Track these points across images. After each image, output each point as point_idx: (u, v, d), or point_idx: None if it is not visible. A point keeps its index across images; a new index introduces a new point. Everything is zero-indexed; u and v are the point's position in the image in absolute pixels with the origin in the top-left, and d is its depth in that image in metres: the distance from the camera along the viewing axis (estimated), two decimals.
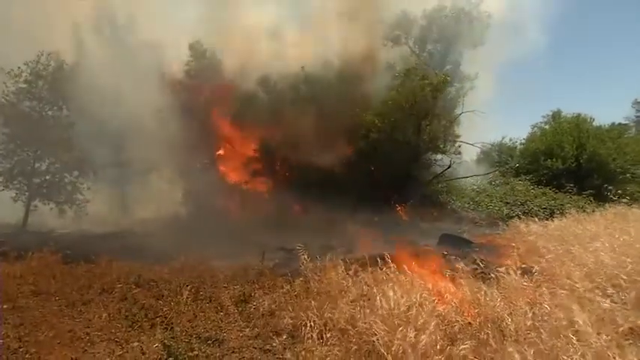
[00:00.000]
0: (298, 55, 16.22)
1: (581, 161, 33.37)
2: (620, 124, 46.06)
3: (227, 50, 17.11)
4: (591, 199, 26.55)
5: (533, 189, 26.03)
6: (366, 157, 14.66)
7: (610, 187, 27.03)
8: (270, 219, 14.00)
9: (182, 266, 9.55)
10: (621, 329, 5.17)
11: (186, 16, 18.09)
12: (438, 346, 4.79)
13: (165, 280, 8.48)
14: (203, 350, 5.64)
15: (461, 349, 4.77)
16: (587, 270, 6.92)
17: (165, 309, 7.05)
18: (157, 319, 6.71)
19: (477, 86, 24.22)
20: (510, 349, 4.57)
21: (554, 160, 33.50)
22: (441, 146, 18.13)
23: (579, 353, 4.35)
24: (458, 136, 19.53)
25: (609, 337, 4.78)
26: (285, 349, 5.63)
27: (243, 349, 5.76)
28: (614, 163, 32.97)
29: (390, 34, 20.23)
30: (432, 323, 5.16)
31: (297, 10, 16.87)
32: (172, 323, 6.49)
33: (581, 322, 4.81)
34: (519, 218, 19.27)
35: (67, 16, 17.07)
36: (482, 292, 6.21)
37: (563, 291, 6.04)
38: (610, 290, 6.08)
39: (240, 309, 7.06)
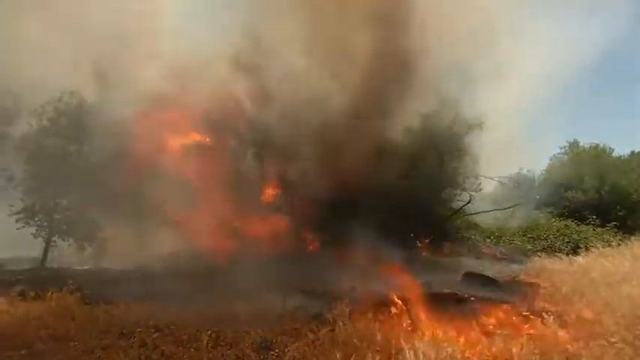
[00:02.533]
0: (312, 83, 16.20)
1: (603, 193, 32.87)
2: None
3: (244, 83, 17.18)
4: (615, 231, 25.89)
5: (555, 222, 25.46)
6: (386, 193, 14.50)
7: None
8: (289, 257, 13.84)
9: (201, 308, 9.41)
10: None
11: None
12: None
13: (185, 325, 8.32)
14: None
15: None
16: (622, 317, 6.58)
17: (185, 356, 6.89)
18: None
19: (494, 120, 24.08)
20: None
21: (574, 191, 33.03)
22: (462, 182, 18.08)
23: None
24: (476, 174, 19.58)
25: None
26: None
27: None
28: (637, 193, 32.43)
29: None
30: None
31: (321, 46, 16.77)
32: None
33: None
34: (543, 253, 18.89)
35: (86, 52, 17.50)
36: (516, 345, 5.94)
37: (601, 342, 5.74)
38: None
39: (261, 357, 6.85)
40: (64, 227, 16.80)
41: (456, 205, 19.34)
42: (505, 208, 24.83)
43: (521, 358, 5.63)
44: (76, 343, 7.73)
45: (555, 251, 19.77)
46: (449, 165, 17.47)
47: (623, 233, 25.61)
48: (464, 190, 18.38)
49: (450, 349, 5.63)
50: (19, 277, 13.17)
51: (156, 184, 14.88)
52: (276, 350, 7.03)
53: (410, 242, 15.00)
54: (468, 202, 18.51)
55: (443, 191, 17.52)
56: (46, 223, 16.58)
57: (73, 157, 16.91)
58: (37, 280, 12.35)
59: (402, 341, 6.00)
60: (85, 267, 16.13)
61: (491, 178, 22.29)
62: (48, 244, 16.66)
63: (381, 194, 14.13)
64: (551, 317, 7.06)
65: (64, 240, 16.95)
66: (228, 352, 7.13)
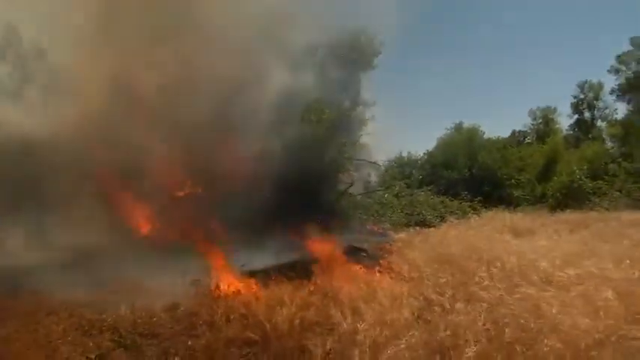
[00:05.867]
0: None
1: (473, 171, 38.06)
2: (520, 131, 52.02)
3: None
4: (480, 204, 30.27)
5: (432, 198, 28.96)
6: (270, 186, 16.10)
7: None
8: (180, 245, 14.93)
9: (116, 289, 11.12)
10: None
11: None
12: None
13: (105, 301, 9.89)
14: (144, 342, 7.74)
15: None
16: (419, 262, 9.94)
17: (109, 320, 8.86)
18: (104, 326, 8.54)
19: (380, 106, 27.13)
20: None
21: (450, 170, 37.91)
22: (343, 167, 20.88)
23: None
24: (358, 159, 22.74)
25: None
26: (204, 333, 7.96)
27: (174, 337, 7.97)
28: (500, 171, 37.80)
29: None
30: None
31: None
32: (117, 327, 8.39)
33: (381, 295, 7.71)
34: (417, 226, 22.44)
35: None
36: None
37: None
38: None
39: (170, 314, 9.12)
40: None
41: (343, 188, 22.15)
42: (385, 189, 28.39)
43: (355, 294, 8.54)
44: (7, 322, 8.69)
45: (427, 224, 23.57)
46: (332, 153, 19.92)
47: (488, 206, 30.42)
48: (348, 172, 21.21)
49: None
50: None
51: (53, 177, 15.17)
52: (182, 308, 9.35)
53: (297, 227, 16.71)
54: (351, 185, 21.37)
55: (327, 179, 20.01)
56: None
57: None
58: None
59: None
60: None
61: (373, 162, 25.53)
62: None
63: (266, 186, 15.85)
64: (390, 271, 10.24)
65: None
66: (145, 314, 9.22)
